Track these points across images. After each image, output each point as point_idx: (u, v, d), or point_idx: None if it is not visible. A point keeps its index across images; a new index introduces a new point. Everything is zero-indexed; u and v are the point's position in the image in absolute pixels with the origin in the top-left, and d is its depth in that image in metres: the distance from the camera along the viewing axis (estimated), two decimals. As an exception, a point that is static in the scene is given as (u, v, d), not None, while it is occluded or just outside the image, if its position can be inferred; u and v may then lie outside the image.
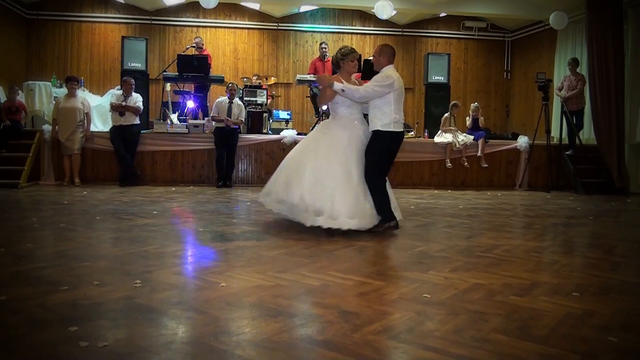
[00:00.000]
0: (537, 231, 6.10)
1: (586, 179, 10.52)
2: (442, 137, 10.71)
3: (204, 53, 12.08)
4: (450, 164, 10.63)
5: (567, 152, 10.87)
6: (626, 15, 10.96)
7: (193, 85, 11.67)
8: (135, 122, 9.82)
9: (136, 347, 2.43)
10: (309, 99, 12.48)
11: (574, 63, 10.89)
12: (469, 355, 2.44)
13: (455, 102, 11.31)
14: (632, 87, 10.76)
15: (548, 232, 6.18)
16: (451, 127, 10.81)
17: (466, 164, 10.81)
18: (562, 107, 10.87)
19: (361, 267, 4.03)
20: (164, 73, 11.43)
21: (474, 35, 15.43)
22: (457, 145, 10.63)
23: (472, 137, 10.82)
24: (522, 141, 11.09)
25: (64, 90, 10.41)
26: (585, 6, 10.90)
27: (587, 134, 11.59)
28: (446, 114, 11.04)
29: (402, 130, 5.54)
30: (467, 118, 11.31)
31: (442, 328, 2.77)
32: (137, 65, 11.20)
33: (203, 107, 11.64)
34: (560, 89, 11.00)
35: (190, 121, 10.53)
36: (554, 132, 11.69)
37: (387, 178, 5.60)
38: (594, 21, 10.77)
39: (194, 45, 12.11)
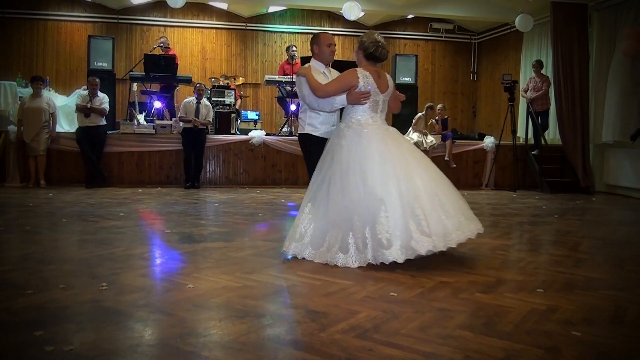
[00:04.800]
0: (503, 229, 6.18)
1: (551, 178, 10.69)
2: (409, 137, 10.77)
3: (170, 53, 12.00)
4: None
5: (532, 152, 11.04)
6: (591, 18, 11.17)
7: (159, 86, 11.57)
8: (101, 123, 9.70)
9: (102, 350, 2.41)
10: (277, 100, 12.47)
11: (539, 65, 11.06)
12: (434, 352, 2.47)
13: (430, 103, 11.38)
14: (597, 89, 10.96)
15: (514, 231, 6.27)
16: (422, 130, 10.89)
17: None
18: (528, 108, 11.04)
19: (328, 267, 4.03)
20: (131, 73, 11.32)
21: (441, 37, 15.57)
22: (424, 146, 10.71)
23: (439, 137, 10.92)
24: (489, 141, 11.24)
25: (29, 90, 10.23)
26: (550, 9, 11.08)
27: (552, 134, 11.79)
28: (420, 114, 11.10)
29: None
30: (434, 121, 11.35)
31: (408, 326, 2.80)
32: (104, 64, 11.07)
33: (170, 107, 11.55)
34: (525, 90, 11.17)
35: (158, 122, 10.45)
36: (520, 133, 11.86)
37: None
38: (559, 24, 10.96)
39: (161, 45, 12.02)
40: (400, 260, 3.92)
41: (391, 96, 4.73)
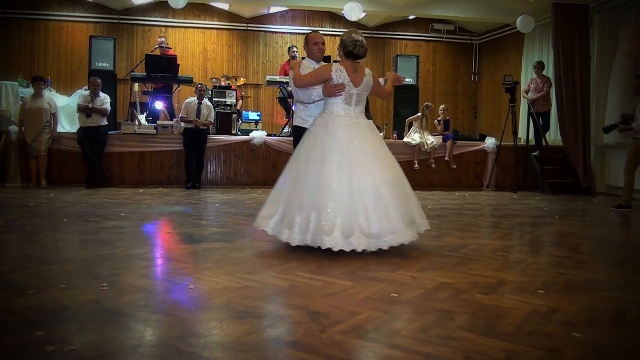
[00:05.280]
0: (503, 230, 6.18)
1: (552, 179, 10.69)
2: (410, 138, 10.78)
3: (169, 54, 11.98)
4: (417, 166, 10.71)
5: (533, 153, 11.04)
6: (592, 19, 11.19)
7: (152, 85, 11.52)
8: (102, 123, 9.71)
9: (103, 351, 2.41)
10: (278, 100, 12.49)
11: (540, 66, 11.06)
12: (435, 353, 2.47)
13: (428, 103, 11.39)
14: (598, 90, 10.97)
15: (514, 232, 6.27)
16: (420, 129, 10.88)
17: (434, 165, 10.90)
18: (529, 109, 11.04)
19: (329, 268, 4.03)
20: (132, 73, 11.33)
21: (443, 37, 15.57)
22: (425, 147, 10.71)
23: (439, 138, 10.93)
24: (490, 142, 11.23)
25: (30, 90, 10.24)
26: (551, 10, 11.09)
27: (553, 135, 11.79)
28: (418, 114, 11.11)
29: None
30: (436, 122, 11.38)
31: (409, 327, 2.80)
32: (105, 65, 11.08)
33: (169, 108, 11.54)
34: (527, 91, 11.17)
35: (159, 122, 10.45)
36: (521, 134, 11.86)
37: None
38: (560, 25, 10.97)
39: (161, 45, 11.99)
40: (336, 248, 4.24)
41: (374, 86, 4.95)
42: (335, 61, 5.74)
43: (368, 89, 4.90)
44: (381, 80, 5.27)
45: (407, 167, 10.87)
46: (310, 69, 5.23)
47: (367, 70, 4.91)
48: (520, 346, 2.58)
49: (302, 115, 5.40)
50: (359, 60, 4.88)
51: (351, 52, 4.78)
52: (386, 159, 4.78)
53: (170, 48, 12.55)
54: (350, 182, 4.40)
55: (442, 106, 11.65)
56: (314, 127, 4.81)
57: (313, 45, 5.39)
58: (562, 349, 2.58)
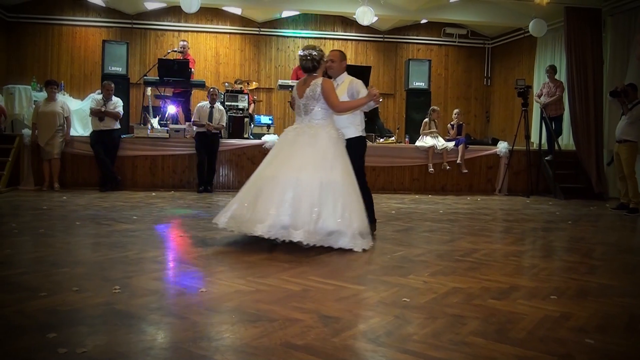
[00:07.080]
0: (516, 235, 6.15)
1: (565, 184, 10.63)
2: (423, 142, 10.76)
3: (188, 57, 11.95)
4: (432, 169, 10.68)
5: (546, 158, 10.99)
6: (605, 23, 11.12)
7: (172, 90, 11.54)
8: (115, 127, 9.75)
9: (115, 353, 2.42)
10: (290, 104, 12.49)
11: (552, 70, 11.01)
12: (447, 358, 2.46)
13: (433, 107, 11.37)
14: (611, 94, 10.90)
15: (527, 237, 6.24)
16: (432, 130, 10.86)
17: (448, 167, 10.84)
18: (542, 113, 11.00)
19: (341, 272, 4.03)
20: (145, 77, 11.37)
21: (455, 41, 15.54)
22: (438, 148, 10.68)
23: (452, 143, 10.90)
24: (502, 147, 11.18)
25: (44, 94, 10.30)
26: (564, 14, 11.04)
27: (566, 140, 11.73)
28: (425, 119, 11.10)
29: None
30: (450, 126, 11.36)
31: (420, 331, 2.79)
32: (118, 69, 11.15)
33: (185, 111, 11.56)
34: (539, 96, 11.12)
35: (172, 126, 10.49)
36: (534, 138, 11.79)
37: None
38: (572, 29, 10.92)
39: (181, 49, 11.92)
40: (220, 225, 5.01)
41: (325, 97, 5.01)
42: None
43: (314, 98, 5.04)
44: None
45: (419, 171, 10.87)
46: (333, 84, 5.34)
47: (317, 81, 5.06)
48: (532, 352, 2.57)
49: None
50: (314, 74, 5.14)
51: (300, 65, 5.23)
52: (311, 164, 4.86)
53: (188, 53, 12.56)
54: (274, 175, 4.85)
55: (455, 110, 11.63)
56: None
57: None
58: (575, 355, 2.56)
